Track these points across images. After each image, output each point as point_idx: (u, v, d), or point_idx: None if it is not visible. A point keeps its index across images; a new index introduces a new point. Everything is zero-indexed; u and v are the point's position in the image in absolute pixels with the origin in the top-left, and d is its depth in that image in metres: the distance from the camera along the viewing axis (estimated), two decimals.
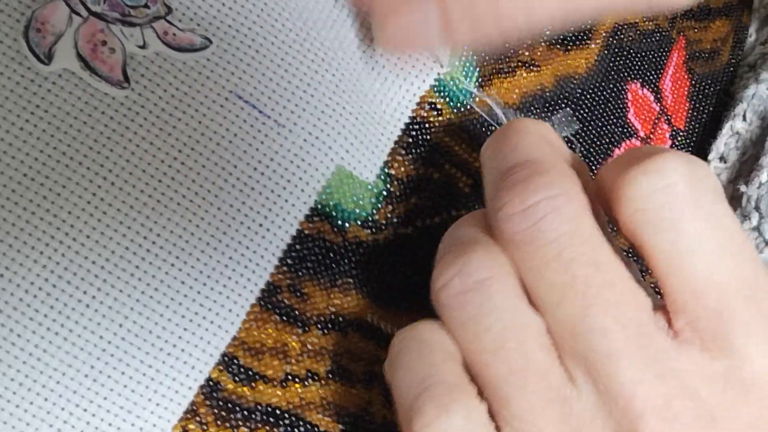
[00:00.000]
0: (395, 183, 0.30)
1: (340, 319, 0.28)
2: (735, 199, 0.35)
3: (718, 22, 0.38)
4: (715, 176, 0.24)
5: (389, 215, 0.29)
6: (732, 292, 0.23)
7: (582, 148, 0.33)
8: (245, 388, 0.27)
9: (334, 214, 0.28)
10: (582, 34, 0.34)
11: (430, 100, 0.31)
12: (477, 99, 0.31)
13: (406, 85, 0.30)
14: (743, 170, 0.36)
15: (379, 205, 0.29)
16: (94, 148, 0.26)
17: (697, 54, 0.37)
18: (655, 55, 0.36)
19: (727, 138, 0.36)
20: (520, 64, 0.32)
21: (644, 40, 0.35)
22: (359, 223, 0.29)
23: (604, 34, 0.34)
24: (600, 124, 0.34)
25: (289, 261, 0.28)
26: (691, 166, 0.23)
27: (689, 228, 0.23)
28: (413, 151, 0.30)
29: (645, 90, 0.35)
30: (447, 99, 0.31)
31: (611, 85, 0.34)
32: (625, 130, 0.34)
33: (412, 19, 0.27)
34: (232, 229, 0.27)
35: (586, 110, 0.33)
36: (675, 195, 0.23)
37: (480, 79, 0.32)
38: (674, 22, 0.37)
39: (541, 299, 0.24)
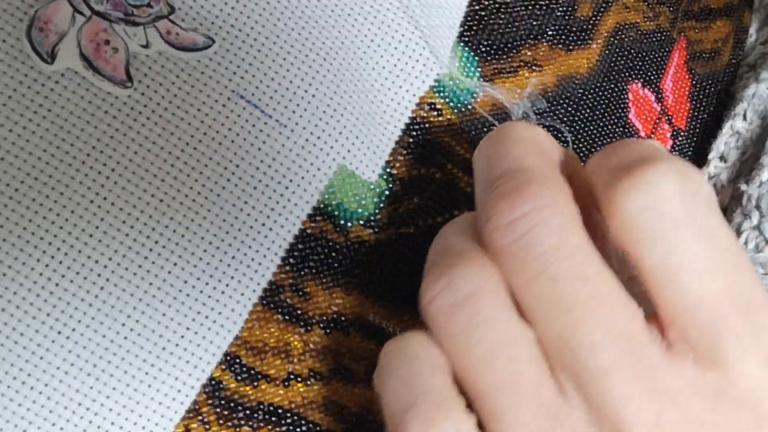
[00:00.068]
0: (397, 183, 0.30)
1: (343, 318, 0.28)
2: (735, 198, 0.35)
3: (719, 22, 0.38)
4: (709, 185, 0.23)
5: (391, 215, 0.29)
6: (725, 307, 0.22)
7: (583, 148, 0.33)
8: (247, 388, 0.27)
9: (336, 213, 0.28)
10: (584, 33, 0.34)
11: (429, 100, 0.31)
12: (479, 99, 0.31)
13: (405, 86, 0.30)
14: (743, 169, 0.36)
15: (382, 205, 0.29)
16: (97, 147, 0.26)
17: (698, 54, 0.37)
18: (656, 55, 0.36)
19: (728, 137, 0.36)
20: (522, 64, 0.32)
21: (645, 40, 0.36)
22: (361, 222, 0.29)
23: (605, 34, 0.34)
24: (601, 124, 0.34)
25: (291, 260, 0.28)
26: (684, 177, 0.23)
27: (681, 244, 0.22)
28: (415, 151, 0.30)
29: (646, 90, 0.35)
30: (447, 99, 0.31)
31: (612, 85, 0.34)
32: (626, 130, 0.34)
33: None
34: (234, 229, 0.27)
35: (587, 110, 0.33)
36: (667, 211, 0.22)
37: (481, 79, 0.32)
38: (675, 23, 0.37)
39: (531, 312, 0.23)
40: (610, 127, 0.34)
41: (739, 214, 0.34)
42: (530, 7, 0.33)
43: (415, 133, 0.30)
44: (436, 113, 0.31)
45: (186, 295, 0.26)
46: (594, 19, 0.34)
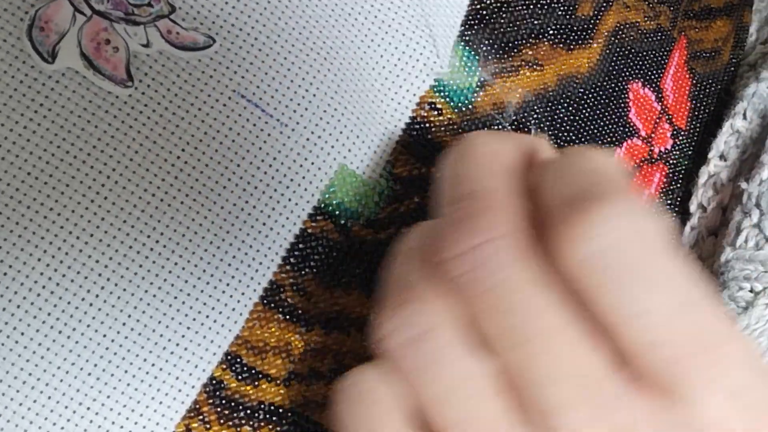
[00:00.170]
0: (398, 182, 0.30)
1: (343, 318, 0.28)
2: (736, 196, 0.35)
3: (719, 21, 0.38)
4: (665, 222, 0.23)
5: (392, 214, 0.29)
6: (688, 343, 0.22)
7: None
8: (248, 387, 0.27)
9: (337, 212, 0.28)
10: (585, 33, 0.34)
11: (430, 100, 0.31)
12: (479, 99, 0.31)
13: (406, 86, 0.30)
14: (743, 168, 0.36)
15: (382, 204, 0.29)
16: (98, 146, 0.26)
17: (699, 53, 0.37)
18: (657, 54, 0.36)
19: (728, 136, 0.36)
20: (523, 63, 0.32)
21: (646, 40, 0.36)
22: (362, 222, 0.29)
23: (605, 34, 0.34)
24: (601, 123, 0.34)
25: (292, 260, 0.28)
26: (637, 218, 0.22)
27: (638, 288, 0.21)
28: (415, 150, 0.30)
29: (646, 89, 0.35)
30: (447, 99, 0.31)
31: (613, 85, 0.34)
32: (627, 130, 0.34)
33: None
34: (235, 228, 0.27)
35: (588, 110, 0.33)
36: (618, 256, 0.21)
37: (482, 79, 0.32)
38: (675, 22, 0.37)
39: (491, 342, 0.23)
40: (610, 126, 0.34)
41: (739, 212, 0.34)
42: (531, 7, 0.33)
43: (415, 133, 0.30)
44: (436, 113, 0.31)
45: (187, 295, 0.26)
46: (595, 18, 0.34)
